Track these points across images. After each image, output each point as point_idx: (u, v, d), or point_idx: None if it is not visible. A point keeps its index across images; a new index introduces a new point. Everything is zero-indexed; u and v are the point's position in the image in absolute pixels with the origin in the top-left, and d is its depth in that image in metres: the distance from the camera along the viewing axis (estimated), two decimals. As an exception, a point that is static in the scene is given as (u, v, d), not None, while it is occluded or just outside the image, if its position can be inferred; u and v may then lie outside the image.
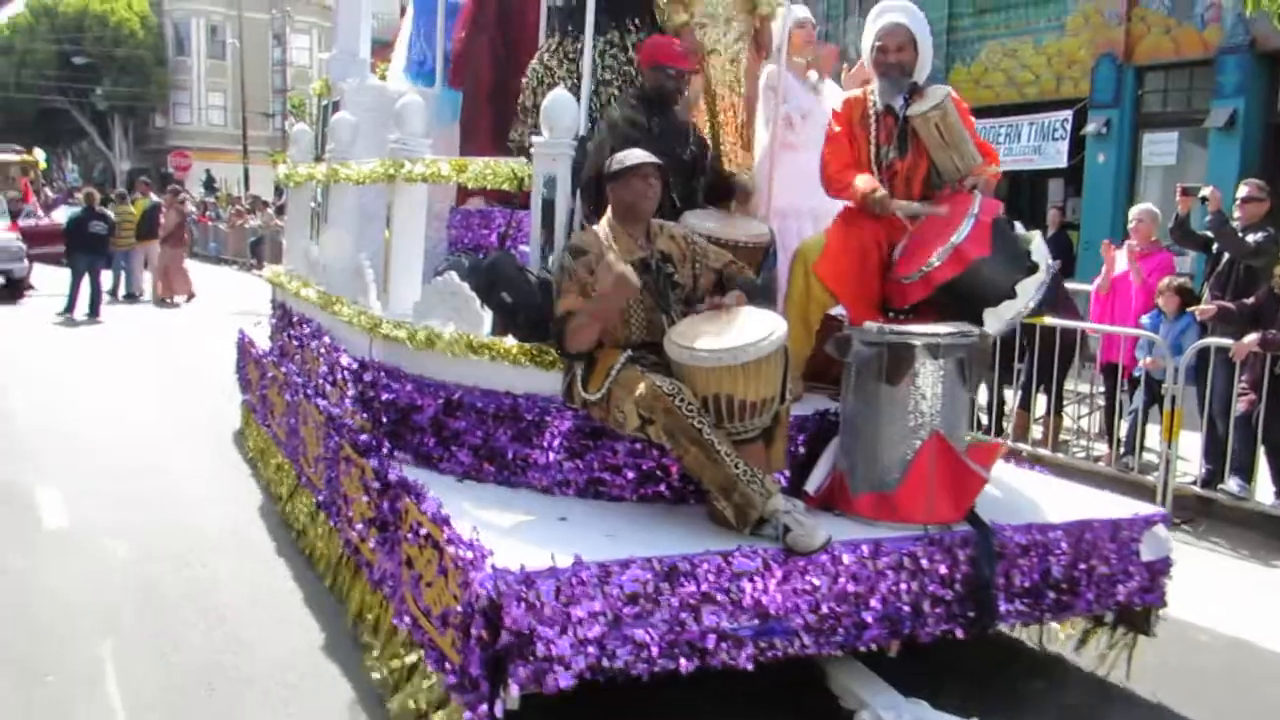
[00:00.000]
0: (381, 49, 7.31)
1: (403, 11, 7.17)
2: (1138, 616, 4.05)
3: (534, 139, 4.24)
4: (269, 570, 4.88)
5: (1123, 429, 7.10)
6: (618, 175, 3.70)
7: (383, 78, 6.73)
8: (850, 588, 3.35)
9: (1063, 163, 13.76)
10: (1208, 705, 3.87)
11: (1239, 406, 6.24)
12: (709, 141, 4.62)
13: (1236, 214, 6.86)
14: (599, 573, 2.99)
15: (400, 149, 4.69)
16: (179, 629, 4.19)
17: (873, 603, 3.39)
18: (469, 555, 3.02)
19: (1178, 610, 4.16)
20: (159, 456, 6.81)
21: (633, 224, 3.75)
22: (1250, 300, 6.33)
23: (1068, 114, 13.15)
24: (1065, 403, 7.87)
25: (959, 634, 3.56)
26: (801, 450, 3.97)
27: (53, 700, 3.61)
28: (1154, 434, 6.76)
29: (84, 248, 14.38)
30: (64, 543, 5.18)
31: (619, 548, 3.16)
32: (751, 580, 3.18)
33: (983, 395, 7.44)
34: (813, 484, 3.83)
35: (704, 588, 3.11)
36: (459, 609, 3.00)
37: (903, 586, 3.44)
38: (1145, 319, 7.03)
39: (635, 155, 3.71)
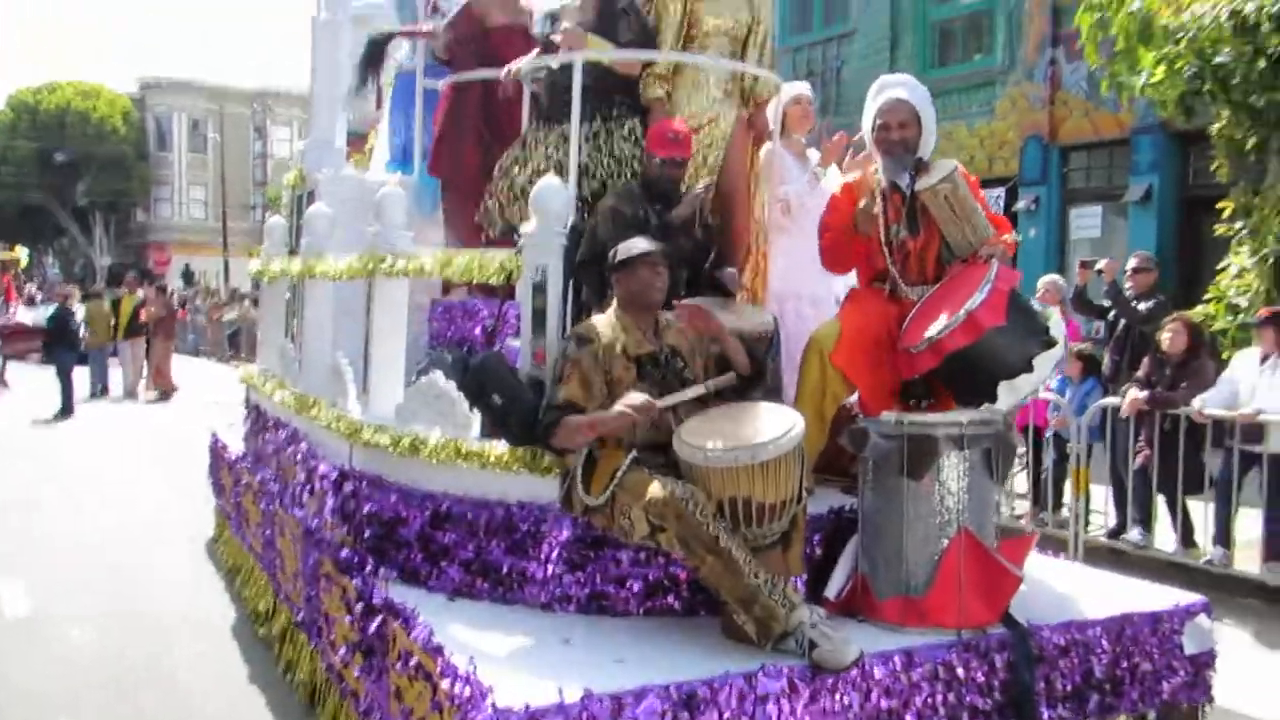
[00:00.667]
0: (357, 140, 7.17)
1: (378, 103, 7.05)
2: (1183, 715, 3.77)
3: (523, 229, 3.97)
4: (233, 656, 4.83)
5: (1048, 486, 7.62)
6: (624, 264, 3.49)
7: (358, 167, 6.58)
8: (884, 704, 3.07)
9: (998, 238, 14.10)
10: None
11: (1136, 461, 6.76)
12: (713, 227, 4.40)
13: (1128, 284, 7.73)
14: (611, 706, 2.69)
15: (381, 242, 4.47)
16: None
17: (907, 718, 3.11)
18: (466, 693, 2.72)
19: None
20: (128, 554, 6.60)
21: (640, 315, 3.54)
22: (1172, 392, 6.64)
23: (1000, 191, 13.53)
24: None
25: (1000, 747, 3.28)
26: (818, 551, 3.70)
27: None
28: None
29: (67, 345, 14.53)
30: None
31: (630, 674, 2.87)
32: (777, 703, 2.90)
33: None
34: (833, 589, 3.56)
35: (726, 715, 2.82)
36: (456, 755, 2.70)
37: (939, 698, 3.17)
38: (1053, 383, 7.37)
39: (641, 244, 3.51)
